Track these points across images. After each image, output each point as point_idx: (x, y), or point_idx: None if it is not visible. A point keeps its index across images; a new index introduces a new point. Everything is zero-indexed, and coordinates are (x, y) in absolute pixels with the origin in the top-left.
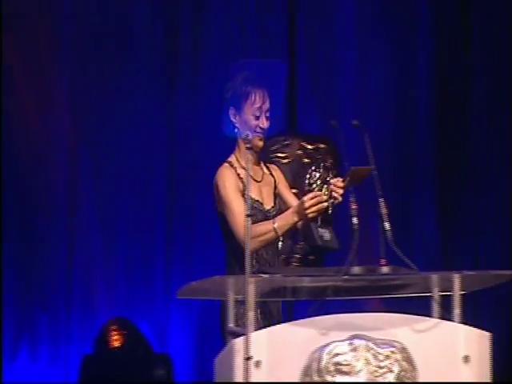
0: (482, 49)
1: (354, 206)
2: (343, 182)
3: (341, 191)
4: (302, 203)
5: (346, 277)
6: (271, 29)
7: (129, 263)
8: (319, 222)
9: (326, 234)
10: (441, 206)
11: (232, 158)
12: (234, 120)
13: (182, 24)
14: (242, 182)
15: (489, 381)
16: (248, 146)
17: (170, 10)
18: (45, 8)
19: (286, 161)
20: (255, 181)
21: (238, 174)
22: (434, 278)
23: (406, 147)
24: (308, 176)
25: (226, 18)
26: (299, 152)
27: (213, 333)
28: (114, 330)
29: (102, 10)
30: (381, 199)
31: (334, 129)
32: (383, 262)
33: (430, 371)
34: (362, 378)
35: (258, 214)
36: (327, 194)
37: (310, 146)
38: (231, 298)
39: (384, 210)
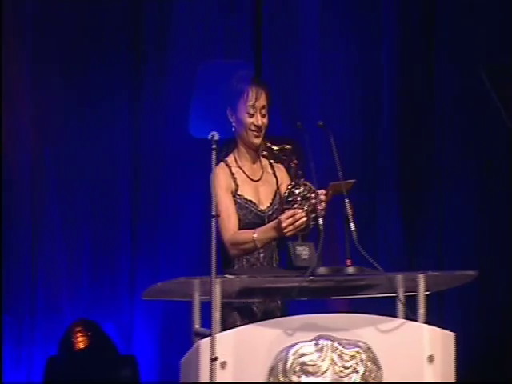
0: (446, 50)
1: (319, 207)
2: (326, 195)
3: (323, 204)
4: (280, 222)
5: (311, 277)
6: (236, 29)
7: (93, 264)
8: (299, 240)
9: (305, 251)
10: (405, 206)
11: (230, 158)
12: (231, 120)
13: (147, 24)
14: (235, 181)
15: (453, 381)
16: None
17: (135, 11)
18: (7, 9)
19: None
20: (251, 180)
21: (233, 174)
22: (399, 278)
23: (370, 148)
24: (287, 193)
25: (191, 18)
26: (265, 153)
27: (178, 333)
28: (79, 332)
29: (65, 10)
30: (346, 200)
31: (299, 130)
32: (348, 262)
33: (395, 371)
34: (327, 378)
35: (248, 214)
36: (308, 211)
37: (275, 147)
38: (197, 299)
39: (349, 211)
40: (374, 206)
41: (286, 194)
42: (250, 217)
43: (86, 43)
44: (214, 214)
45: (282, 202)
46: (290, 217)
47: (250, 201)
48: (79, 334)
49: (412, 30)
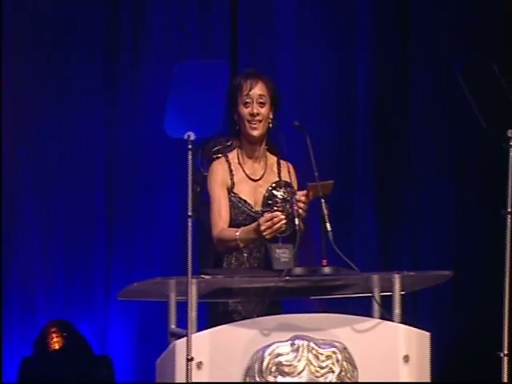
0: (421, 50)
1: (295, 207)
2: (306, 196)
3: (303, 206)
4: (258, 225)
5: (287, 278)
6: (212, 29)
7: (68, 264)
8: (279, 242)
9: (286, 254)
10: (380, 206)
11: (232, 153)
12: (235, 118)
13: (122, 24)
14: (232, 179)
15: (428, 380)
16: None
17: (110, 10)
18: None
19: None
20: (250, 179)
21: (231, 171)
22: (375, 278)
23: (345, 148)
24: (267, 195)
25: (167, 18)
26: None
27: (154, 334)
28: (54, 333)
29: (41, 8)
30: (322, 200)
31: (275, 129)
32: (324, 262)
33: (371, 371)
34: (303, 378)
35: (239, 214)
36: (288, 213)
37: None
38: (173, 299)
39: (325, 211)
40: (349, 206)
41: (267, 196)
42: (241, 218)
43: (61, 42)
44: (189, 214)
45: (263, 204)
46: (268, 220)
47: (245, 201)
48: (54, 335)
49: (387, 30)
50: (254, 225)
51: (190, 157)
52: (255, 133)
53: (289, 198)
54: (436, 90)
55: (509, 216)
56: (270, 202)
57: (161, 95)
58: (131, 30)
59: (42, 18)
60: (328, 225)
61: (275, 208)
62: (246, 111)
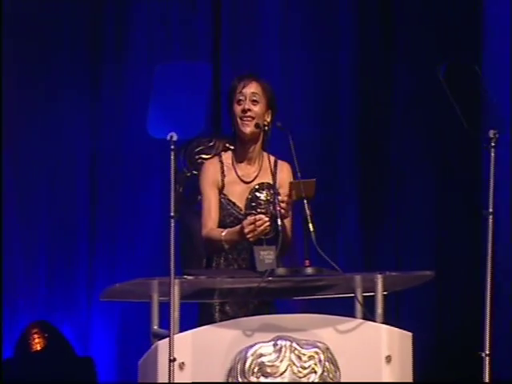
0: (404, 50)
1: (278, 208)
2: (288, 196)
3: (286, 206)
4: (242, 228)
5: (270, 278)
6: (195, 30)
7: (50, 265)
8: (264, 244)
9: (270, 255)
10: (363, 206)
11: (227, 154)
12: (233, 119)
13: (105, 24)
14: (223, 179)
15: (410, 380)
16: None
17: (93, 10)
18: None
19: None
20: (242, 181)
21: (223, 171)
22: (357, 278)
23: (328, 148)
24: (250, 197)
25: (150, 18)
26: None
27: (136, 334)
28: (36, 333)
29: (24, 9)
30: (305, 201)
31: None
32: (307, 263)
33: (353, 371)
34: (285, 378)
35: (227, 216)
36: (270, 216)
37: (232, 147)
38: (155, 300)
39: (308, 212)
40: (332, 207)
41: (250, 198)
42: (229, 220)
43: (45, 43)
44: (172, 214)
45: (246, 207)
46: (251, 223)
47: (234, 203)
48: (36, 336)
49: (370, 31)
50: (238, 227)
51: (172, 157)
52: (247, 129)
53: (272, 200)
54: (419, 90)
55: (490, 216)
56: (253, 204)
57: (144, 95)
58: (114, 30)
59: (25, 18)
60: (311, 225)
61: (258, 210)
62: (238, 108)
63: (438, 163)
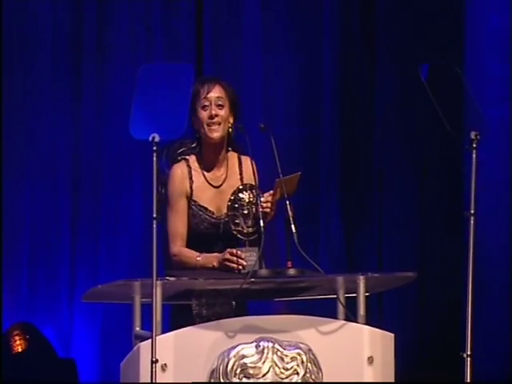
0: (386, 52)
1: (260, 209)
2: (273, 195)
3: (272, 206)
4: (223, 260)
5: (252, 279)
6: (177, 30)
7: (32, 266)
8: (246, 245)
9: (253, 257)
10: (345, 207)
11: (192, 158)
12: (195, 126)
13: (87, 24)
14: (191, 185)
15: (392, 381)
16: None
17: (75, 10)
18: None
19: None
20: (212, 186)
21: (191, 177)
22: (339, 279)
23: (310, 149)
24: (233, 198)
25: (131, 18)
26: None
27: (118, 336)
28: (17, 335)
29: (5, 8)
30: (287, 201)
31: (240, 131)
32: (289, 264)
33: (335, 372)
34: (268, 379)
35: (200, 223)
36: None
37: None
38: (138, 302)
39: (290, 213)
40: (314, 208)
41: (232, 199)
42: (203, 227)
43: (26, 42)
44: (154, 215)
45: (228, 208)
46: (234, 254)
47: (205, 208)
48: (17, 338)
49: (353, 31)
50: (217, 255)
51: (154, 158)
52: (215, 135)
53: (254, 201)
54: (401, 91)
55: (471, 217)
56: (236, 205)
57: (125, 96)
58: (96, 30)
59: (6, 18)
60: (293, 226)
61: (241, 211)
62: (204, 114)
63: (420, 164)
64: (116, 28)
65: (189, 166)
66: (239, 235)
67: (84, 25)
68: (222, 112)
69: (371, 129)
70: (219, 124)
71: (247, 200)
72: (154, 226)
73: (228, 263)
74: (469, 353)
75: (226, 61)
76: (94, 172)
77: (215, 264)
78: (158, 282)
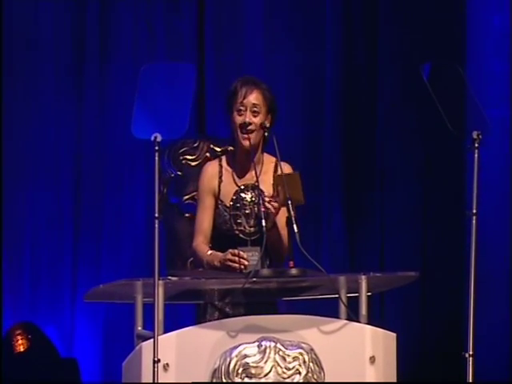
0: (389, 52)
1: (262, 209)
2: (274, 192)
3: (275, 204)
4: (225, 260)
5: (254, 279)
6: (179, 30)
7: (34, 265)
8: (248, 245)
9: (255, 256)
10: (347, 207)
11: (226, 158)
12: (230, 126)
13: (89, 24)
14: (220, 185)
15: (394, 381)
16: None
17: (77, 11)
18: None
19: (195, 163)
20: (238, 187)
21: (221, 176)
22: (341, 279)
23: (313, 149)
24: (235, 198)
25: (134, 18)
26: (208, 154)
27: (120, 336)
28: (19, 335)
29: (7, 9)
30: (289, 201)
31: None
32: (291, 263)
33: (337, 372)
34: (270, 379)
35: (223, 224)
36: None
37: (218, 149)
38: (140, 301)
39: (292, 213)
40: (316, 208)
41: (235, 199)
42: (225, 228)
43: (29, 43)
44: (156, 215)
45: (229, 207)
46: (236, 255)
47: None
48: (19, 337)
49: (355, 31)
50: (221, 255)
51: (156, 158)
52: (246, 143)
53: (257, 201)
54: (403, 91)
55: (474, 217)
56: (238, 205)
57: (127, 95)
58: (98, 30)
59: (8, 18)
60: (295, 226)
61: (243, 211)
62: (238, 119)
63: (422, 164)
64: (118, 27)
65: (220, 165)
66: (241, 235)
67: (86, 24)
68: (257, 119)
69: (373, 129)
70: (252, 132)
71: (249, 200)
72: (156, 225)
73: (230, 263)
74: (471, 353)
75: (228, 61)
76: (96, 172)
77: (217, 263)
78: (160, 282)
